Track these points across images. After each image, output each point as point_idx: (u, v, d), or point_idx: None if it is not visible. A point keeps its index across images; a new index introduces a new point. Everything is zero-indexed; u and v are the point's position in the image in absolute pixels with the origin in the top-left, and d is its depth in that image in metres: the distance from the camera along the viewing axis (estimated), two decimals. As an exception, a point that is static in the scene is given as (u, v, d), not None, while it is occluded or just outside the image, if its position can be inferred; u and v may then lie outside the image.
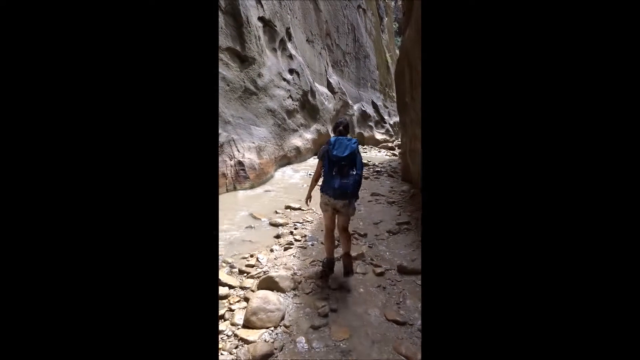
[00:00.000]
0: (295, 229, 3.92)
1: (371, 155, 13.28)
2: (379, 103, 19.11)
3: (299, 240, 3.51)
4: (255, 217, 4.28)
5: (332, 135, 2.59)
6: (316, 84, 11.62)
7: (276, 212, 4.56)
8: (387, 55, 22.42)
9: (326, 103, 12.18)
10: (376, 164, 10.05)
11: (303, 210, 4.74)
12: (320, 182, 2.60)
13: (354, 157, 2.35)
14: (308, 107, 10.63)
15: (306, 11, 11.70)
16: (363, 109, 16.58)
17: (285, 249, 3.26)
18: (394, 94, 23.95)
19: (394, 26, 26.76)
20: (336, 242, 3.10)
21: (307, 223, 4.14)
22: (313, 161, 10.03)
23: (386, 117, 19.38)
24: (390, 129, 19.11)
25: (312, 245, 3.41)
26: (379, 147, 16.53)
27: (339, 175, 2.34)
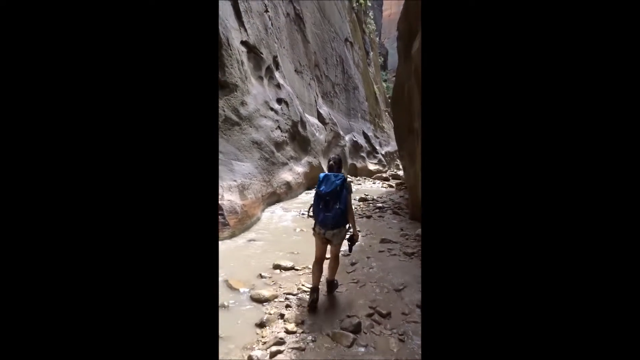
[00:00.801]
0: (288, 306, 2.68)
1: (366, 187, 12.22)
2: (370, 134, 18.43)
3: (293, 332, 2.27)
4: (231, 287, 3.03)
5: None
6: (306, 115, 10.75)
7: (261, 276, 3.32)
8: (375, 87, 22.16)
9: (317, 134, 11.26)
10: (375, 197, 8.95)
11: (297, 270, 3.52)
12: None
13: (338, 193, 2.50)
14: (299, 139, 9.65)
15: (294, 41, 11.08)
16: (355, 139, 15.76)
17: (273, 356, 2.01)
18: (384, 124, 23.53)
19: (380, 60, 26.94)
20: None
21: (304, 294, 2.91)
22: (305, 197, 8.89)
23: (378, 148, 18.63)
24: (383, 159, 18.30)
25: (313, 341, 2.17)
26: (372, 178, 15.54)
27: (324, 209, 2.55)
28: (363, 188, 11.88)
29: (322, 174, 2.65)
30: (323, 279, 2.88)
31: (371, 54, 23.50)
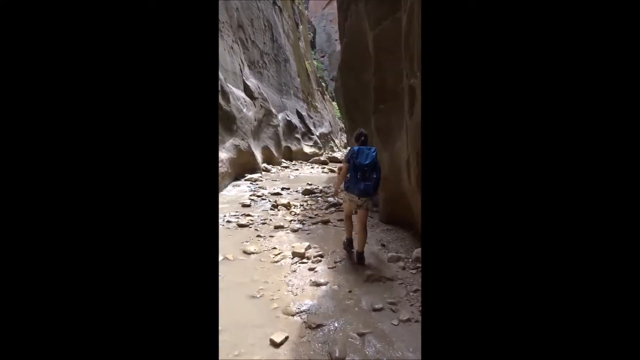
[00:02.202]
0: None
1: (306, 173, 10.24)
2: (304, 113, 16.35)
3: None
4: None
5: (354, 144, 2.91)
6: (229, 85, 8.15)
7: None
8: (306, 63, 19.93)
9: (244, 110, 8.77)
10: (322, 188, 7.02)
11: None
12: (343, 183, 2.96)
13: (375, 164, 2.73)
14: (220, 115, 7.09)
15: (208, -13, 8.19)
16: (288, 118, 13.53)
17: None
18: (317, 104, 21.64)
19: (309, 35, 24.61)
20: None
21: None
22: (233, 192, 6.53)
23: (312, 129, 16.71)
24: (318, 141, 16.48)
25: None
26: (310, 162, 13.63)
27: (362, 179, 2.72)
28: (303, 175, 9.87)
29: (355, 147, 2.80)
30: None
31: (301, 27, 21.04)
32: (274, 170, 10.18)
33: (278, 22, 14.41)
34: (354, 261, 2.86)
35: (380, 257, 3.02)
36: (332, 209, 5.00)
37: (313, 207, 5.29)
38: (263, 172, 9.49)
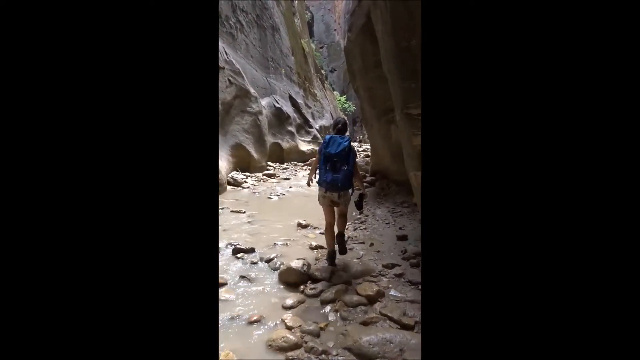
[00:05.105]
0: None
1: (301, 188, 5.99)
2: (300, 100, 12.08)
3: None
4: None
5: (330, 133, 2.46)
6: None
7: None
8: (303, 42, 15.54)
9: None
10: (337, 249, 2.85)
11: None
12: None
13: (346, 154, 2.27)
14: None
15: None
16: (277, 105, 9.30)
17: None
18: (316, 91, 17.34)
19: (306, 16, 20.07)
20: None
21: None
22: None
23: (311, 120, 12.47)
24: (318, 135, 12.23)
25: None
26: (308, 164, 9.46)
27: (332, 170, 2.28)
28: (295, 190, 5.64)
29: (327, 136, 2.36)
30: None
31: (296, 2, 16.58)
32: (248, 182, 5.96)
33: (263, -24, 10.04)
34: (332, 257, 2.38)
35: None
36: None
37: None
38: (228, 189, 5.31)
